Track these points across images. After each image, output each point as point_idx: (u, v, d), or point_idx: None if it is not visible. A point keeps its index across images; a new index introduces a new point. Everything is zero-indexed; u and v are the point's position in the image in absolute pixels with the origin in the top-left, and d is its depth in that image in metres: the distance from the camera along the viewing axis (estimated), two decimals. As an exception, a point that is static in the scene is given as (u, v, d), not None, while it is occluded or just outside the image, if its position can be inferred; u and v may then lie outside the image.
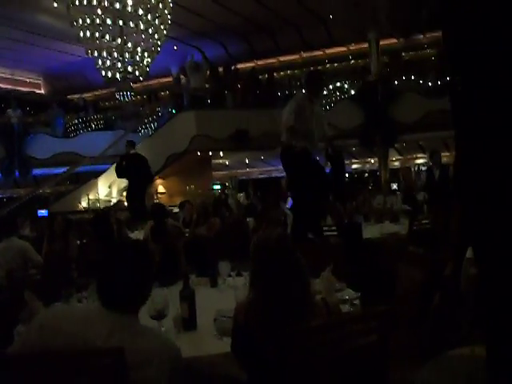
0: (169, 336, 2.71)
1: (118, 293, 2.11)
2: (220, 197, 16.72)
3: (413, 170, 24.80)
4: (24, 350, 2.08)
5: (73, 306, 3.41)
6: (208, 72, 17.02)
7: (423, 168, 23.67)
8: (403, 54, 19.55)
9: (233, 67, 17.70)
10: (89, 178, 16.44)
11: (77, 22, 11.72)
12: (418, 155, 23.41)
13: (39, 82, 22.83)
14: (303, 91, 6.85)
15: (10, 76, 21.12)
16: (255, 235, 2.57)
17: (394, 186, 19.90)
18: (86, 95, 21.96)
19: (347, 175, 25.82)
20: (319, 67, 21.09)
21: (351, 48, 20.52)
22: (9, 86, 21.08)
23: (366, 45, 17.32)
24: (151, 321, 2.80)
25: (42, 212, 14.25)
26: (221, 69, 17.33)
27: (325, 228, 7.36)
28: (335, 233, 7.14)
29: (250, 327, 2.31)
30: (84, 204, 15.78)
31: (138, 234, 9.09)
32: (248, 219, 10.06)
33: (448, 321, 2.96)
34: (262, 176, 24.74)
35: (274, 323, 2.24)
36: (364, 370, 2.18)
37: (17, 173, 17.07)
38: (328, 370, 2.12)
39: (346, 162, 20.85)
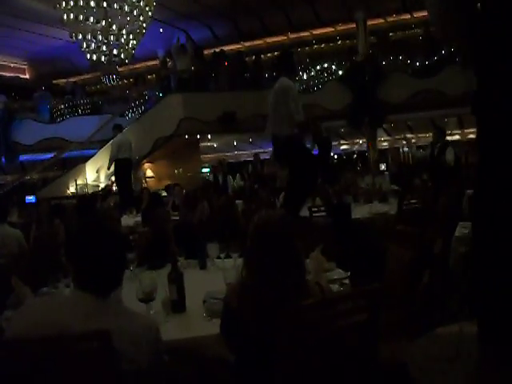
0: (153, 318, 2.70)
1: (93, 274, 2.07)
2: (209, 180, 16.68)
3: (401, 150, 24.89)
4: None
5: (47, 295, 3.39)
6: (193, 54, 16.90)
7: (406, 149, 23.75)
8: (390, 34, 19.49)
9: (218, 49, 17.57)
10: (76, 163, 16.34)
11: (60, 4, 11.55)
12: (407, 135, 23.46)
13: (24, 66, 22.53)
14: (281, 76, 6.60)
15: (-7, 61, 20.85)
16: (255, 216, 2.49)
17: (383, 167, 19.94)
18: (71, 79, 21.72)
19: (336, 156, 25.89)
20: (306, 48, 21.05)
21: (338, 28, 20.42)
22: (-9, 71, 20.81)
23: (353, 25, 17.25)
24: (140, 304, 2.79)
25: (30, 198, 14.14)
26: (207, 51, 17.22)
27: (314, 209, 7.36)
28: (324, 213, 7.14)
29: (243, 310, 2.29)
30: (72, 189, 15.70)
31: (127, 219, 9.07)
32: (237, 201, 10.08)
33: (437, 298, 2.96)
34: (250, 159, 24.67)
35: (269, 305, 2.22)
36: (354, 348, 2.18)
37: (3, 159, 16.92)
38: (318, 349, 2.11)
39: (335, 143, 20.90)
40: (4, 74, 21.41)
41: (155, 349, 2.06)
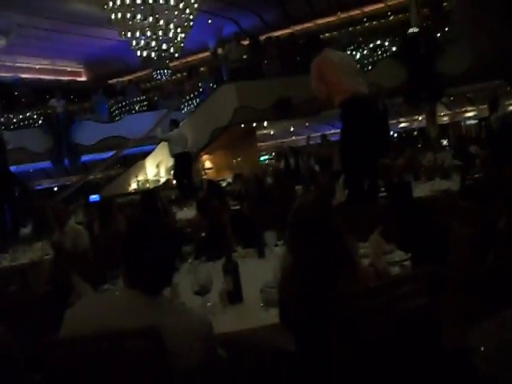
0: (207, 312, 2.68)
1: (141, 272, 2.05)
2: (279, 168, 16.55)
3: (462, 124, 24.12)
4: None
5: (101, 294, 3.42)
6: (245, 42, 16.81)
7: (473, 122, 23.01)
8: (444, 4, 18.84)
9: (265, 36, 17.44)
10: (136, 160, 16.64)
11: (107, 5, 11.73)
12: (468, 108, 22.71)
13: (80, 69, 23.10)
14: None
15: (51, 67, 21.41)
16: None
17: (445, 142, 19.35)
18: (126, 78, 22.11)
19: (396, 135, 25.39)
20: (358, 27, 20.66)
21: (389, 3, 19.93)
22: (51, 77, 21.39)
23: (404, -2, 16.82)
24: (196, 297, 2.77)
25: (94, 197, 14.45)
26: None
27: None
28: (384, 193, 6.96)
29: (292, 296, 2.24)
30: (134, 186, 16.00)
31: (186, 212, 9.13)
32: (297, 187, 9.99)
33: (504, 278, 2.80)
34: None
35: (313, 291, 2.16)
36: (415, 333, 2.08)
37: (66, 161, 17.39)
38: (378, 334, 2.03)
39: (393, 121, 20.46)
40: (62, 78, 22.01)
41: (208, 345, 2.03)
